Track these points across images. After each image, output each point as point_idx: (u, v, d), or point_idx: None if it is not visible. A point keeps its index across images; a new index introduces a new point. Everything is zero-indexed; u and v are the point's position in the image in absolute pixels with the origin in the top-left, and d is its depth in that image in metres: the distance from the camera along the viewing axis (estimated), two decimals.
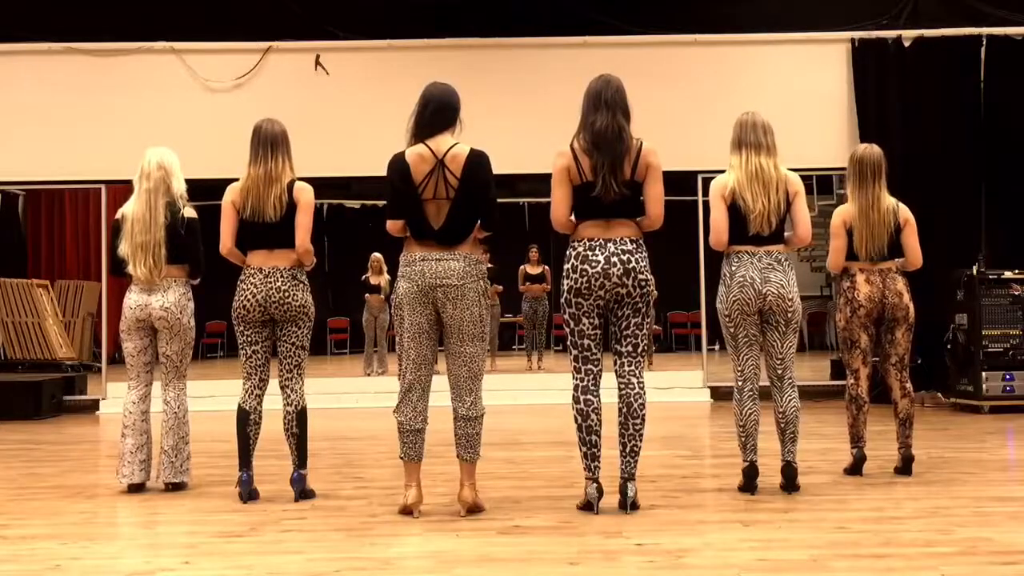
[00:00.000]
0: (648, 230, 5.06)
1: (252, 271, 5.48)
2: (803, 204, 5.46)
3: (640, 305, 5.01)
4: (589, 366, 5.03)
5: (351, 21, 11.08)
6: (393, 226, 5.07)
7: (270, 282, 5.45)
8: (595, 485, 4.94)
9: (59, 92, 10.88)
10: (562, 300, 5.06)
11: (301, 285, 5.52)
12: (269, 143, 5.50)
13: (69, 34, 10.86)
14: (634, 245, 4.99)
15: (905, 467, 5.93)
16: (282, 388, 5.57)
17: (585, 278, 4.94)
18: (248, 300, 5.46)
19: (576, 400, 5.02)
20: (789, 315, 5.39)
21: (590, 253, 4.95)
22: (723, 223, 5.38)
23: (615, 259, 4.93)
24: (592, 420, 4.97)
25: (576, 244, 5.01)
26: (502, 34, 11.00)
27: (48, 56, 10.98)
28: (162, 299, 5.79)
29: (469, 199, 4.96)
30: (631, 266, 4.94)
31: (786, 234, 5.48)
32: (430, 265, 4.96)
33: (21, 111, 10.85)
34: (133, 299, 5.84)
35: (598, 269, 4.92)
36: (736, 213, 5.37)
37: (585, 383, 5.02)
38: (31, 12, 10.92)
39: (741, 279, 5.36)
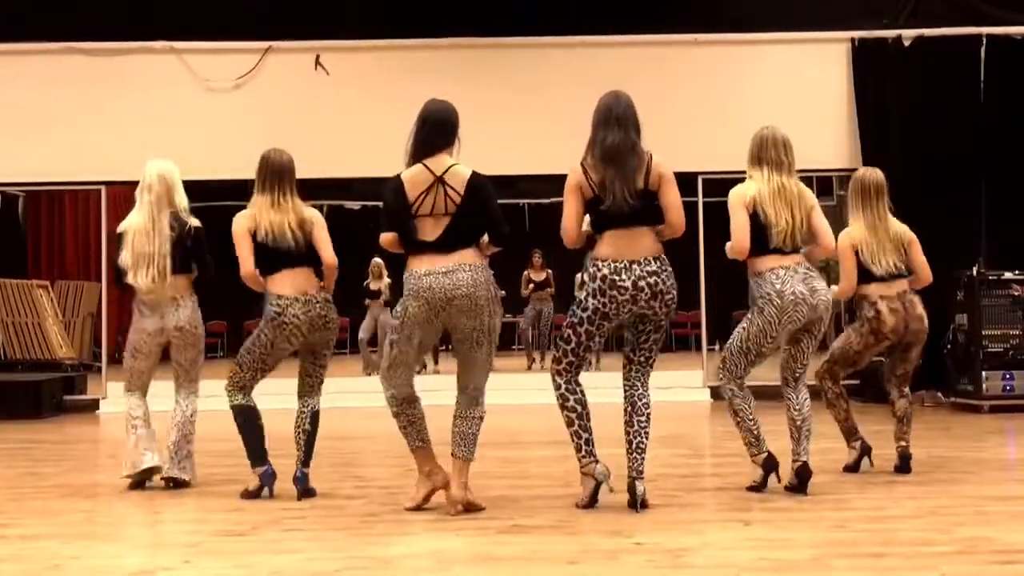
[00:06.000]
0: (670, 237, 5.06)
1: (288, 301, 5.45)
2: (820, 215, 5.44)
3: (663, 323, 5.05)
4: (579, 367, 5.10)
5: (351, 21, 11.07)
6: (385, 239, 5.09)
7: (310, 309, 5.49)
8: (602, 464, 4.98)
9: (59, 92, 10.85)
10: (584, 315, 4.98)
11: (333, 307, 5.61)
12: (276, 174, 5.54)
13: (68, 34, 10.84)
14: (658, 264, 4.96)
15: (903, 465, 5.94)
16: (301, 395, 5.65)
17: (614, 304, 4.92)
18: (293, 332, 5.46)
19: (571, 392, 5.05)
20: (825, 322, 5.44)
21: (616, 277, 4.91)
22: (745, 231, 5.33)
23: (642, 283, 4.91)
24: (588, 407, 5.06)
25: (600, 264, 4.96)
26: (502, 34, 10.97)
27: (48, 56, 10.96)
28: (176, 318, 5.83)
29: (472, 215, 4.96)
30: (659, 288, 4.93)
31: (803, 250, 5.46)
32: (437, 280, 4.90)
33: (21, 111, 10.82)
34: (146, 325, 5.84)
35: (627, 296, 4.91)
36: (757, 224, 5.34)
37: (575, 377, 5.10)
38: (31, 12, 10.90)
39: (793, 297, 5.29)
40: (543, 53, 11.03)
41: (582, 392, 5.07)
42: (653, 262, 4.96)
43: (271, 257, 5.48)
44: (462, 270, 4.92)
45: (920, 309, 5.99)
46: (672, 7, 11.13)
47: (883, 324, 5.92)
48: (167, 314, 5.82)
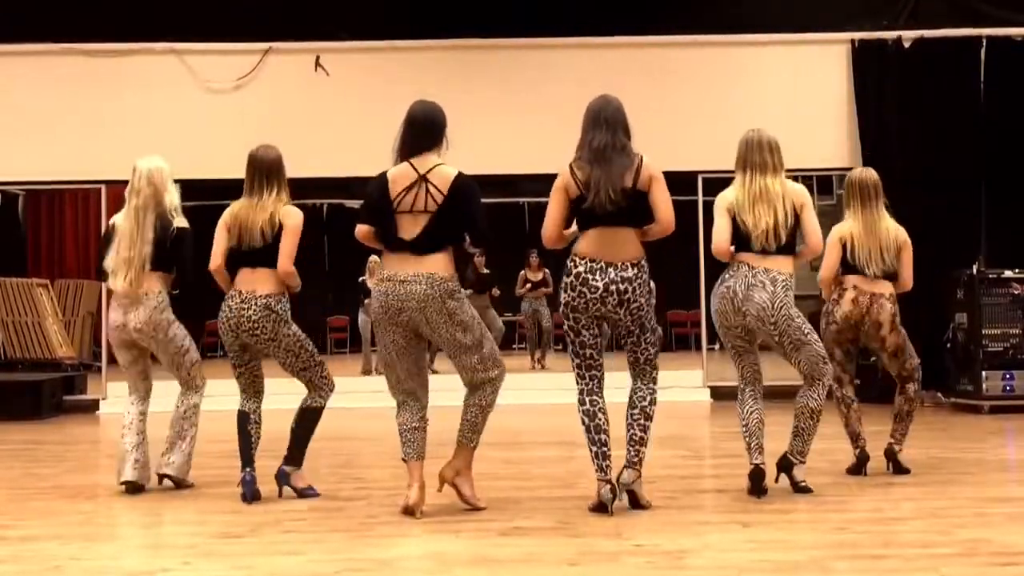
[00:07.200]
0: (660, 236, 5.06)
1: (233, 293, 5.52)
2: (811, 215, 5.41)
3: (633, 327, 5.04)
4: (593, 372, 5.07)
5: (351, 21, 11.07)
6: (361, 231, 5.12)
7: (243, 309, 5.46)
8: (608, 486, 4.94)
9: (59, 92, 10.86)
10: (560, 311, 5.11)
11: (274, 315, 5.47)
12: (264, 173, 5.53)
13: (69, 34, 10.84)
14: (635, 271, 4.96)
15: (895, 466, 5.96)
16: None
17: (583, 299, 4.96)
18: (222, 324, 5.55)
19: (581, 403, 5.06)
20: (774, 331, 5.29)
21: (590, 276, 4.95)
22: (724, 233, 5.37)
23: (613, 287, 4.93)
24: (599, 419, 5.00)
25: (578, 261, 5.00)
26: (502, 35, 10.97)
27: (48, 56, 10.96)
28: (135, 317, 5.78)
29: (452, 214, 4.97)
30: (627, 296, 4.94)
31: (798, 248, 5.46)
32: (393, 287, 4.96)
33: (21, 111, 10.82)
34: (112, 318, 5.87)
35: (596, 296, 4.94)
36: (737, 229, 5.37)
37: (590, 386, 5.07)
38: (31, 12, 10.90)
39: (724, 291, 5.39)
40: (543, 54, 11.03)
41: (592, 403, 5.03)
42: (631, 268, 4.97)
43: (239, 257, 5.51)
44: (417, 282, 4.92)
45: (884, 316, 5.86)
46: (672, 8, 11.13)
47: (838, 308, 5.93)
48: (130, 311, 5.79)
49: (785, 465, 5.44)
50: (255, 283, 5.48)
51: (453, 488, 5.12)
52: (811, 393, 5.43)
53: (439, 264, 4.97)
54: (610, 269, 4.95)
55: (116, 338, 5.89)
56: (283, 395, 5.70)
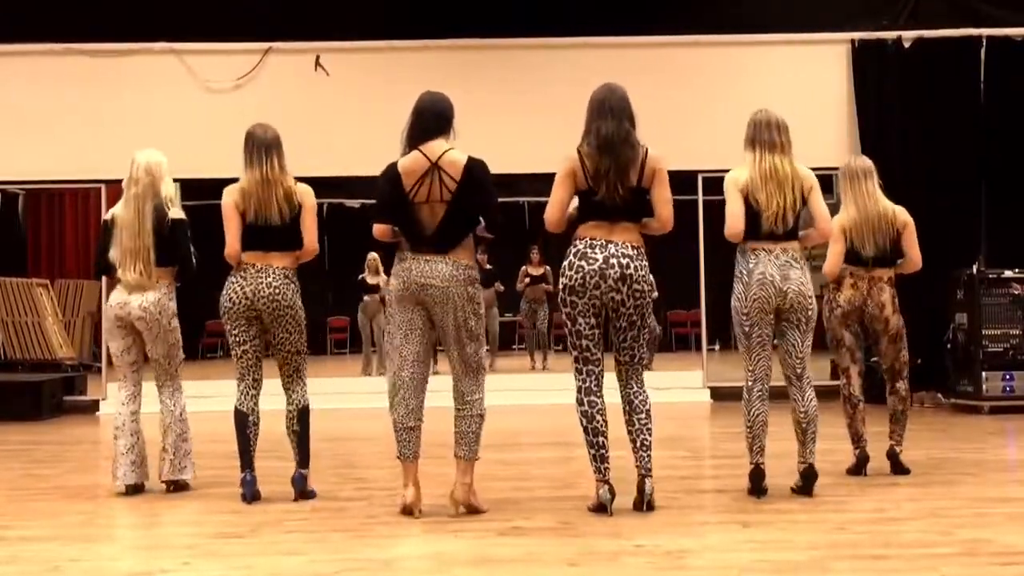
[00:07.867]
0: (658, 233, 5.06)
1: (246, 266, 5.45)
2: (819, 198, 5.41)
3: (635, 317, 5.00)
4: (590, 367, 5.03)
5: (351, 21, 11.07)
6: (378, 229, 5.08)
7: (261, 277, 5.43)
8: (607, 487, 4.92)
9: (59, 92, 10.86)
10: (559, 299, 5.07)
11: (293, 286, 5.50)
12: (263, 148, 5.48)
13: (69, 34, 10.84)
14: (635, 251, 4.97)
15: (891, 465, 5.96)
16: (284, 389, 5.62)
17: (581, 275, 4.93)
18: (236, 293, 5.44)
19: (580, 403, 5.03)
20: (809, 313, 5.35)
21: (590, 251, 4.94)
22: (739, 214, 5.32)
23: (614, 261, 4.92)
24: (597, 421, 4.97)
25: (577, 242, 5.01)
26: (503, 34, 10.98)
27: (48, 56, 10.96)
28: (141, 299, 5.75)
29: (468, 202, 4.96)
30: (628, 272, 4.92)
31: (801, 233, 5.45)
32: (418, 265, 4.96)
33: (21, 111, 10.82)
34: (114, 297, 5.83)
35: (595, 267, 4.91)
36: (750, 211, 5.34)
37: (588, 384, 5.02)
38: (31, 12, 10.90)
39: (761, 276, 5.29)
40: (543, 54, 11.03)
41: (589, 404, 4.99)
42: (631, 248, 4.97)
43: (256, 236, 5.45)
44: (444, 263, 4.94)
45: (885, 298, 5.94)
46: (672, 8, 11.13)
47: (839, 294, 5.97)
48: (135, 293, 5.74)
49: (813, 478, 5.36)
50: (270, 259, 5.46)
51: (467, 508, 5.05)
52: (812, 393, 5.42)
53: (461, 254, 5.00)
54: (611, 246, 4.95)
55: (113, 318, 5.80)
56: (281, 396, 5.69)
